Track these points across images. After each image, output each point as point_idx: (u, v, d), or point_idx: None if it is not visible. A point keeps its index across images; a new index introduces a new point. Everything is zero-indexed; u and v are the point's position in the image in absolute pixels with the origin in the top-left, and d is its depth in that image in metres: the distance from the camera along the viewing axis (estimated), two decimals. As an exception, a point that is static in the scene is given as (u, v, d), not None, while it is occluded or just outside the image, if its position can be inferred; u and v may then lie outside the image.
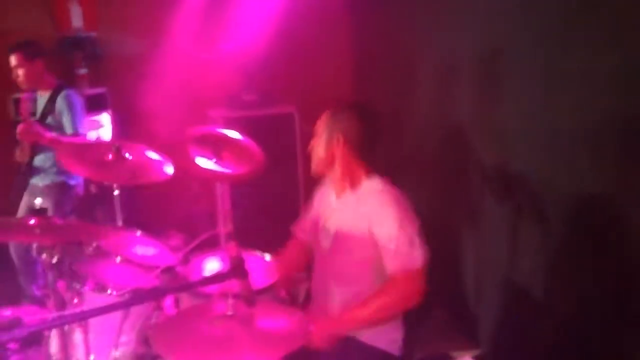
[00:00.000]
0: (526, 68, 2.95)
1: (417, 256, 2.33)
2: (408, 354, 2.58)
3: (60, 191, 3.90)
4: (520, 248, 3.12)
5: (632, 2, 2.32)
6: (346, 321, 2.39)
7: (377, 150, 2.50)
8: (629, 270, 2.43)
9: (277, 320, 1.98)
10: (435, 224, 3.91)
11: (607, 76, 2.47)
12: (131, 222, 3.41)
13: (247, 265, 1.88)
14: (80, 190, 4.02)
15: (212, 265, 2.78)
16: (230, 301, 1.91)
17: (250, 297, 1.89)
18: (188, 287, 2.34)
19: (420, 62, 4.04)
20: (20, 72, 3.85)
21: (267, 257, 3.02)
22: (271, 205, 4.52)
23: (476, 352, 3.44)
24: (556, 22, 2.71)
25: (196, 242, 2.21)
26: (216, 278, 1.92)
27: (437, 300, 2.44)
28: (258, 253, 3.04)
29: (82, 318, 2.26)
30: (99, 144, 3.37)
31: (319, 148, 2.48)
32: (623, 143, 2.40)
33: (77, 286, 2.42)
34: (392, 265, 2.34)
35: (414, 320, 2.57)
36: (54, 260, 2.35)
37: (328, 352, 2.37)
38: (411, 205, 2.44)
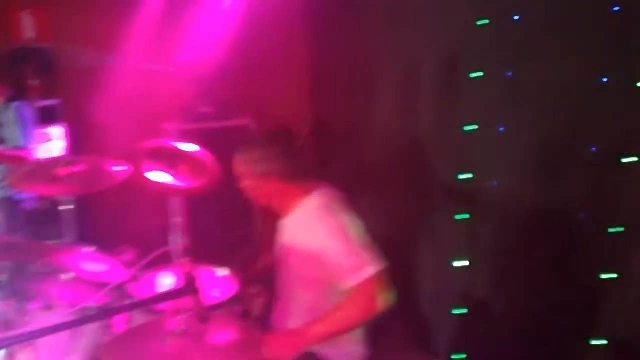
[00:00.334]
0: (484, 80, 2.98)
1: (367, 265, 2.30)
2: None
3: (9, 206, 3.79)
4: (476, 259, 3.16)
5: (588, 21, 2.38)
6: (306, 335, 2.36)
7: (303, 165, 2.51)
8: (584, 281, 2.48)
9: (230, 336, 1.95)
10: (395, 235, 3.93)
11: (562, 90, 2.52)
12: (83, 238, 3.34)
13: (199, 282, 1.85)
14: (30, 205, 3.91)
15: (164, 282, 2.73)
16: (183, 317, 1.88)
17: (202, 314, 1.86)
18: (140, 304, 2.29)
19: (379, 74, 4.06)
20: None
21: (222, 272, 2.98)
22: (227, 219, 4.47)
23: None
24: (517, 37, 2.76)
25: (149, 258, 2.16)
26: (168, 295, 1.89)
27: (395, 313, 2.45)
28: (213, 268, 3.00)
29: (30, 338, 2.17)
30: (47, 157, 3.28)
31: (253, 192, 2.50)
32: (580, 155, 2.45)
33: (25, 305, 2.34)
34: (344, 279, 2.32)
35: (370, 334, 2.57)
36: (1, 278, 2.28)
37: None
38: (355, 214, 2.45)
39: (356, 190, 4.47)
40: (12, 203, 3.84)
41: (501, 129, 2.86)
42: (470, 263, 3.15)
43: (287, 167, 2.45)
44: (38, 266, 2.57)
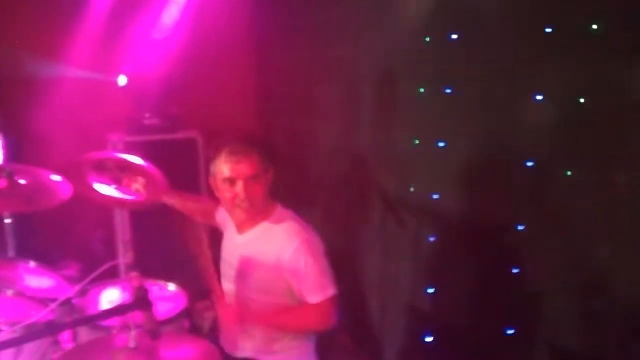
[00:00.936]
0: (424, 97, 3.08)
1: (330, 285, 2.38)
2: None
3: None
4: (422, 272, 3.23)
5: (523, 39, 2.48)
6: (258, 314, 2.43)
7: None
8: (534, 292, 2.58)
9: (182, 351, 1.94)
10: (341, 250, 3.97)
11: (499, 106, 2.63)
12: (25, 252, 3.24)
13: (150, 296, 1.84)
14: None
15: (111, 296, 2.69)
16: (133, 333, 1.85)
17: (154, 329, 1.85)
18: (88, 320, 2.25)
19: (323, 90, 4.12)
20: None
21: (170, 286, 2.95)
22: (173, 232, 4.41)
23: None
24: (455, 55, 2.85)
25: (96, 272, 2.12)
26: (119, 310, 1.86)
27: (341, 327, 2.49)
28: (161, 282, 2.98)
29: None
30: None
31: (258, 188, 2.43)
32: (520, 169, 2.55)
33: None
34: (308, 294, 2.38)
35: (319, 347, 2.60)
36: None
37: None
38: (316, 233, 2.48)
39: (303, 204, 4.51)
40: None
41: (441, 144, 2.95)
42: (416, 276, 3.22)
43: (271, 175, 2.48)
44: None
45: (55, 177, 2.76)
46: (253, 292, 2.50)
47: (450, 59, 2.87)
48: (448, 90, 2.89)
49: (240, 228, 2.56)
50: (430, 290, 3.13)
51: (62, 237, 4.24)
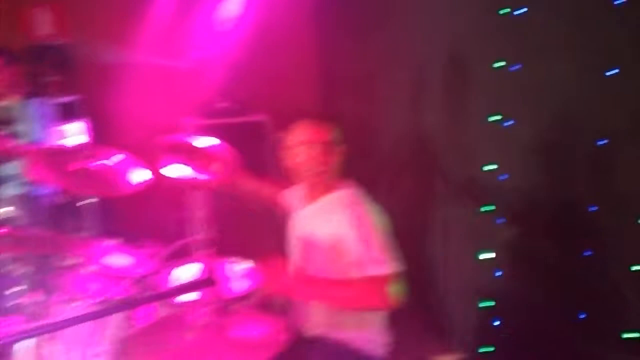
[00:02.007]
0: (491, 76, 3.01)
1: (387, 261, 2.31)
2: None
3: (30, 201, 3.85)
4: (496, 252, 3.18)
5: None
6: (306, 284, 2.33)
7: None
8: (597, 273, 2.50)
9: (251, 328, 1.98)
10: (407, 232, 3.95)
11: (565, 85, 2.55)
12: (105, 231, 3.38)
13: (217, 274, 1.88)
14: (50, 200, 3.96)
15: (185, 274, 2.77)
16: (202, 311, 1.91)
17: (222, 307, 1.90)
18: (159, 297, 2.33)
19: (389, 70, 4.09)
20: None
21: (244, 264, 3.02)
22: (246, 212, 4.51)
23: (454, 357, 3.47)
24: (524, 30, 2.78)
25: (170, 250, 2.20)
26: (187, 287, 1.92)
27: (407, 310, 2.49)
28: (235, 260, 3.05)
29: (52, 330, 2.22)
30: (66, 152, 3.31)
31: (326, 158, 2.49)
32: (585, 149, 2.47)
33: (47, 298, 2.39)
34: (361, 269, 2.32)
35: (388, 327, 2.60)
36: (23, 271, 2.32)
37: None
38: (381, 213, 2.48)
39: (370, 186, 4.51)
40: (32, 198, 3.89)
41: (508, 123, 2.88)
42: (494, 256, 3.16)
43: (343, 151, 2.52)
44: (62, 259, 2.61)
45: (134, 163, 2.87)
46: (317, 265, 2.49)
47: (521, 34, 2.79)
48: (517, 67, 2.81)
49: (308, 199, 2.59)
50: (499, 274, 3.08)
51: (141, 217, 4.40)
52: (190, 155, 3.00)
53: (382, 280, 2.30)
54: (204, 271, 1.87)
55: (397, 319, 2.54)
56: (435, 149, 3.60)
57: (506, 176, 2.99)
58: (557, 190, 2.73)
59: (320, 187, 2.53)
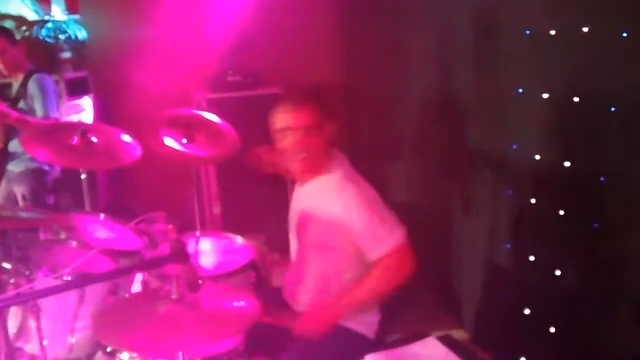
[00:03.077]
0: (524, 41, 2.79)
1: (391, 232, 2.28)
2: (383, 337, 2.52)
3: (35, 177, 3.85)
4: (503, 229, 3.03)
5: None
6: (337, 308, 2.34)
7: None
8: (617, 252, 2.34)
9: (224, 303, 1.92)
10: (428, 203, 3.83)
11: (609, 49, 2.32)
12: (108, 207, 3.36)
13: (188, 249, 1.83)
14: (54, 176, 3.96)
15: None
16: (173, 285, 1.85)
17: (193, 281, 1.84)
18: (134, 269, 2.29)
19: (412, 39, 3.91)
20: (2, 56, 3.80)
21: (238, 239, 2.97)
22: (256, 186, 4.45)
23: (458, 332, 3.37)
24: None
25: (140, 219, 2.15)
26: (157, 261, 1.86)
27: (424, 282, 2.40)
28: (229, 235, 3.00)
29: (33, 298, 2.19)
30: (64, 126, 3.27)
31: (311, 141, 2.37)
32: (625, 120, 2.26)
33: (31, 272, 2.37)
34: (371, 249, 2.29)
35: (397, 303, 2.51)
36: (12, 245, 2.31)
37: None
38: (366, 182, 2.40)
39: (388, 158, 4.38)
40: (38, 174, 3.89)
41: (545, 95, 2.66)
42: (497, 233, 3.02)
43: (332, 129, 2.41)
44: (49, 234, 2.59)
45: (126, 137, 2.82)
46: (313, 247, 2.47)
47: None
48: (553, 32, 2.58)
49: (300, 181, 2.55)
50: (508, 246, 2.94)
51: (150, 191, 4.38)
52: (188, 130, 2.94)
53: (396, 252, 2.26)
54: (171, 246, 1.80)
55: (412, 293, 2.45)
56: (462, 120, 3.42)
57: (516, 145, 2.82)
58: (576, 162, 2.51)
59: (307, 170, 2.46)
